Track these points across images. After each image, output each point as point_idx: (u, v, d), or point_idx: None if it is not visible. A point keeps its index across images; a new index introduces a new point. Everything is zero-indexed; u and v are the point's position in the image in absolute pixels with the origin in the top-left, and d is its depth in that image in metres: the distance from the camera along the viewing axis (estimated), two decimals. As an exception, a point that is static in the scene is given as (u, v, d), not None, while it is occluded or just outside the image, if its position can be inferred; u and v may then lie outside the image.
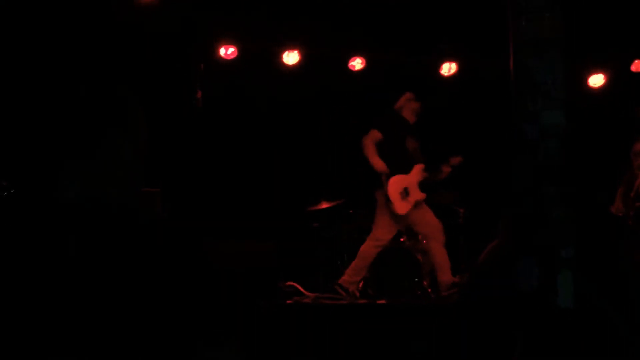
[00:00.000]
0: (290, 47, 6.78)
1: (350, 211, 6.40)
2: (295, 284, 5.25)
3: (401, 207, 5.36)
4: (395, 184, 5.36)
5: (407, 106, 5.66)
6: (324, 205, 6.21)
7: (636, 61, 7.08)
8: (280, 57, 6.80)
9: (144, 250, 3.13)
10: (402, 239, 6.24)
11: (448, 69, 7.15)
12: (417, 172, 5.48)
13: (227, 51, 6.61)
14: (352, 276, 5.46)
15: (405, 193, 5.35)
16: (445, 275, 5.37)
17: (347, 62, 7.02)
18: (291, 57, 6.80)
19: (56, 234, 2.69)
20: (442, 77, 7.18)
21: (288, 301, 4.88)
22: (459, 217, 6.41)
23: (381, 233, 5.50)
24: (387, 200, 5.33)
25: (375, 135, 5.44)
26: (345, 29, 6.68)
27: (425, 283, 5.85)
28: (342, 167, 7.21)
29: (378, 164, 5.36)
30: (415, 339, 4.42)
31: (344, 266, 6.05)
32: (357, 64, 7.05)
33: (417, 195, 5.42)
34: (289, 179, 7.03)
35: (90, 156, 2.87)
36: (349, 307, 4.94)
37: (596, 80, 7.33)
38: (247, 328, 4.01)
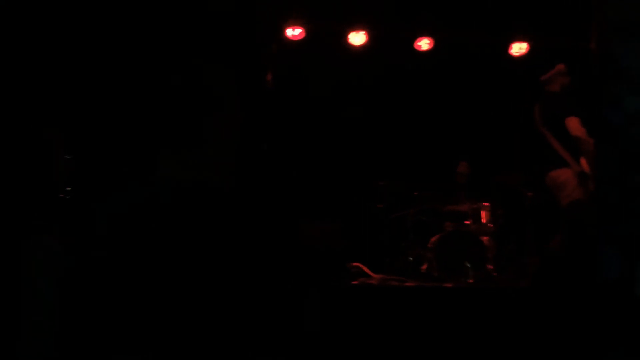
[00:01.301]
0: (357, 28, 6.75)
1: (415, 193, 6.38)
2: (361, 265, 5.28)
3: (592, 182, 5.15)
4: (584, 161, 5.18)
5: (558, 80, 5.35)
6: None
7: None
8: (347, 38, 6.79)
9: (230, 228, 3.19)
10: (467, 222, 6.21)
11: (518, 49, 7.00)
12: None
13: (293, 31, 6.64)
14: None
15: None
16: None
17: (414, 42, 6.96)
18: (358, 38, 6.78)
19: (154, 215, 2.79)
20: (512, 57, 7.03)
21: (354, 282, 4.92)
22: (526, 200, 6.30)
23: None
24: (585, 177, 5.07)
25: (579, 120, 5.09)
26: (413, 8, 6.60)
27: (490, 267, 5.81)
28: (409, 147, 7.19)
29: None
30: (480, 323, 4.40)
31: (409, 248, 6.06)
32: (424, 44, 6.97)
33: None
34: (356, 160, 7.05)
35: (190, 139, 2.94)
36: (414, 289, 4.95)
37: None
38: (315, 310, 4.07)
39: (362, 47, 6.82)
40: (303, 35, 6.68)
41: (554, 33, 6.68)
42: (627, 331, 2.92)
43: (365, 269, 5.24)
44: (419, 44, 6.98)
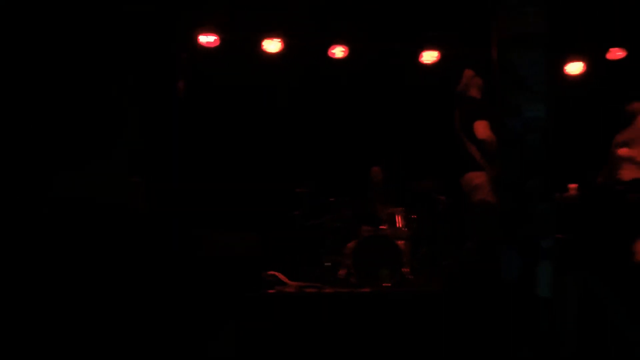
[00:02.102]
0: (272, 35, 6.75)
1: (331, 200, 6.42)
2: (277, 273, 5.26)
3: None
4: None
5: (473, 84, 5.45)
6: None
7: (612, 49, 7.16)
8: (262, 45, 6.78)
9: (129, 241, 3.12)
10: (382, 227, 6.31)
11: (430, 57, 7.18)
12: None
13: (208, 39, 6.57)
14: None
15: None
16: None
17: (328, 50, 7.03)
18: (273, 45, 6.78)
19: (51, 230, 2.68)
20: (425, 65, 7.22)
21: (270, 291, 4.88)
22: (439, 205, 6.47)
23: None
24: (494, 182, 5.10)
25: (487, 124, 5.15)
26: (328, 16, 6.67)
27: (406, 270, 5.92)
28: (325, 154, 7.25)
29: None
30: (398, 326, 4.47)
31: (326, 254, 6.09)
32: (338, 51, 7.05)
33: None
34: (272, 167, 7.05)
35: (88, 156, 2.86)
36: (331, 295, 4.97)
37: (574, 67, 7.41)
38: (233, 319, 4.02)
39: (278, 54, 6.82)
40: (218, 43, 6.62)
41: (463, 42, 6.90)
42: (529, 329, 3.04)
43: (281, 277, 5.22)
44: (333, 51, 7.05)
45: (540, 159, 3.04)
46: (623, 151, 5.57)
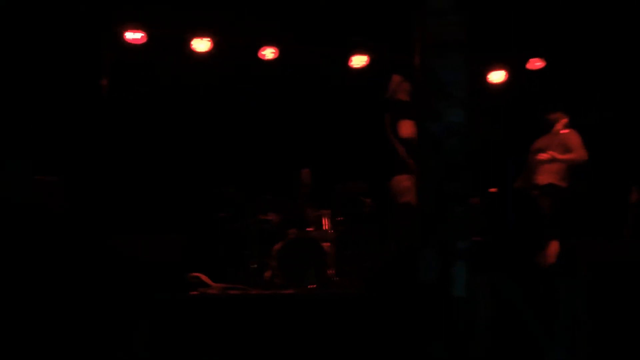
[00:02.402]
0: (201, 34, 6.67)
1: (258, 201, 6.39)
2: (200, 275, 5.19)
3: None
4: None
5: (401, 89, 5.55)
6: None
7: (531, 59, 7.43)
8: (191, 44, 6.69)
9: (45, 243, 3.02)
10: (309, 229, 6.33)
11: (359, 61, 7.27)
12: None
13: (135, 36, 6.43)
14: None
15: None
16: None
17: (259, 51, 7.00)
18: (202, 44, 6.70)
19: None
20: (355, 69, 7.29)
21: (192, 293, 4.81)
22: (365, 207, 6.54)
23: None
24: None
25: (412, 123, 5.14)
26: (258, 18, 6.65)
27: (331, 272, 5.96)
28: (254, 156, 7.20)
29: None
30: (321, 328, 4.49)
31: (252, 256, 6.06)
32: (268, 53, 7.04)
33: None
34: (197, 168, 6.95)
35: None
36: (255, 297, 4.95)
37: (496, 76, 7.65)
38: (153, 321, 3.95)
39: (207, 53, 6.75)
40: (145, 40, 6.49)
41: (391, 48, 7.01)
42: (444, 326, 3.11)
43: (205, 278, 5.15)
44: (263, 52, 7.03)
45: (459, 162, 3.11)
46: (543, 156, 5.81)
